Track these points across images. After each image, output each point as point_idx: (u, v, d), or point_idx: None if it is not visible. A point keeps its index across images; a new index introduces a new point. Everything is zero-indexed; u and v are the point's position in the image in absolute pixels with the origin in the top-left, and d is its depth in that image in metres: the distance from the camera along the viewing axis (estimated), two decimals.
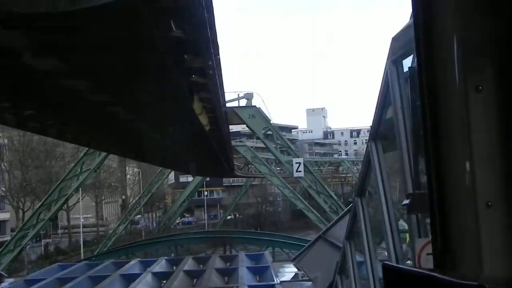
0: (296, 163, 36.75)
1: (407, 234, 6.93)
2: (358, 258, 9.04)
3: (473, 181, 1.85)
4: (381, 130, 7.13)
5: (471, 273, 1.64)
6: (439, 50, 1.90)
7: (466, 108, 1.85)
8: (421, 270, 1.46)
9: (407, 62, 6.12)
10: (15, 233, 40.23)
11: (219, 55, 10.48)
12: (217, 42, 9.51)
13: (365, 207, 8.04)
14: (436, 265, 1.73)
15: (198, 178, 62.00)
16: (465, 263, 1.71)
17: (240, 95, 36.72)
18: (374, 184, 7.05)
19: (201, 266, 16.00)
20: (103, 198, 69.37)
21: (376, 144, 7.02)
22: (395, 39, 5.61)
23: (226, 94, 21.24)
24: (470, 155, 1.86)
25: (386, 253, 6.84)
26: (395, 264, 1.33)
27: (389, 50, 5.81)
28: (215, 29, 8.72)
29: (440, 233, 1.83)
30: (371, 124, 7.17)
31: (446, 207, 1.87)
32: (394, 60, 5.80)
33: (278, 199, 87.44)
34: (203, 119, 15.19)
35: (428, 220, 5.28)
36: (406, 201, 4.73)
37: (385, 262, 1.50)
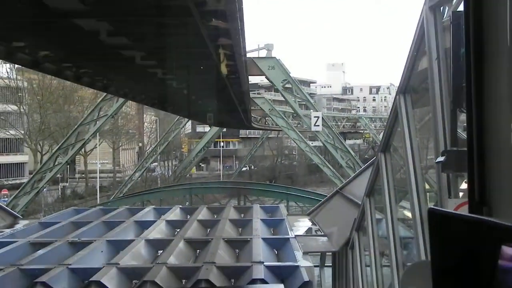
0: (315, 117, 36.39)
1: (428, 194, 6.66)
2: (378, 216, 8.79)
3: None
4: (410, 83, 6.74)
5: None
6: None
7: None
8: (469, 214, 1.40)
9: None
10: (32, 175, 40.62)
11: None
12: None
13: (389, 163, 7.72)
14: None
15: (215, 129, 61.98)
16: (502, 217, 1.64)
17: (260, 46, 36.09)
18: (401, 140, 6.70)
19: (215, 216, 15.85)
20: (120, 144, 69.76)
21: (405, 98, 6.64)
22: None
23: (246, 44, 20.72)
24: None
25: (409, 212, 6.56)
26: (441, 209, 1.26)
27: None
28: None
29: (478, 190, 1.77)
30: (400, 76, 6.77)
31: (486, 165, 1.78)
32: (432, 6, 5.37)
33: (294, 153, 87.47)
34: (223, 67, 14.83)
35: (459, 180, 4.98)
36: (440, 158, 4.41)
37: (431, 207, 1.44)
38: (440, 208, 1.39)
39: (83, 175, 64.72)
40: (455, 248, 1.25)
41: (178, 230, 13.53)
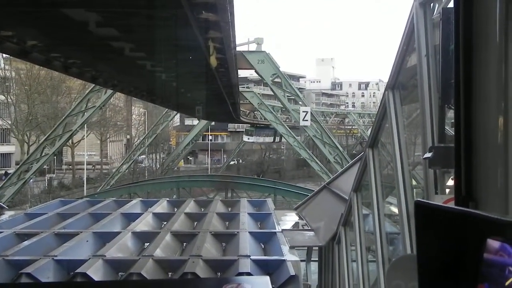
0: (303, 111, 36.44)
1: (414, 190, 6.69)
2: (365, 211, 8.82)
3: (506, 137, 1.73)
4: (399, 79, 6.76)
5: None
6: None
7: (505, 58, 1.69)
8: (455, 207, 1.39)
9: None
10: (18, 166, 40.37)
11: None
12: None
13: (377, 159, 7.74)
14: None
15: (203, 122, 61.87)
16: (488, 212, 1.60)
17: (250, 40, 36.06)
18: (389, 136, 6.73)
19: (202, 210, 15.85)
20: (108, 136, 69.42)
21: (394, 93, 6.65)
22: None
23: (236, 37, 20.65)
24: (505, 108, 1.72)
25: (396, 208, 6.59)
26: (428, 201, 1.26)
27: None
28: None
29: (464, 185, 1.77)
30: (390, 72, 6.78)
31: (473, 160, 1.78)
32: (422, 2, 5.38)
33: (282, 147, 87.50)
34: (213, 60, 14.80)
35: (445, 176, 5.00)
36: (428, 154, 4.43)
37: (418, 199, 1.43)
38: (427, 201, 1.39)
39: (70, 167, 64.39)
40: (440, 241, 1.26)
41: (165, 223, 13.51)
